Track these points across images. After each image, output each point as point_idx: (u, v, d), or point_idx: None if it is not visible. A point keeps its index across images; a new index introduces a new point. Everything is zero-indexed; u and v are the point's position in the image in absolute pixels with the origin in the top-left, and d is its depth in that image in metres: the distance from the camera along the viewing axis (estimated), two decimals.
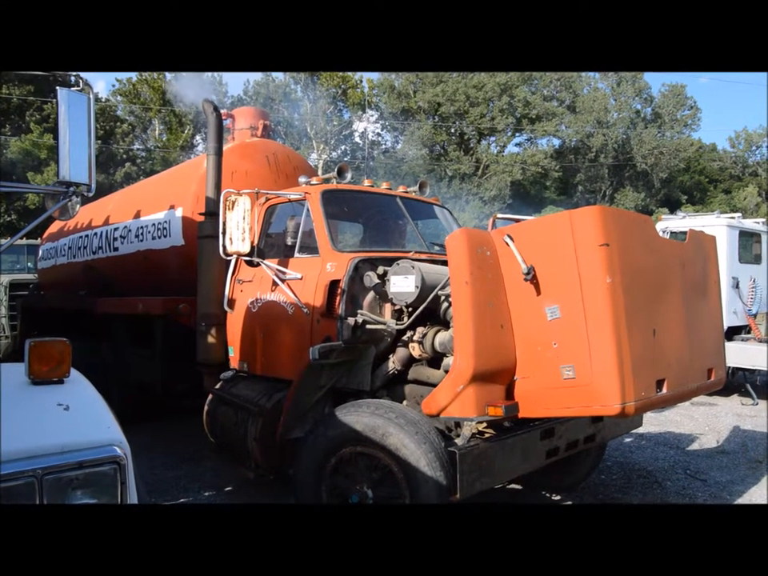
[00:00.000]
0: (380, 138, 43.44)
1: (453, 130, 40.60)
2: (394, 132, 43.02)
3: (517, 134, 42.46)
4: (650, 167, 42.16)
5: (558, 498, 5.71)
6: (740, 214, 12.01)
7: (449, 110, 38.71)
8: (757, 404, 9.93)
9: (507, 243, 3.81)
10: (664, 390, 3.77)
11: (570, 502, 5.57)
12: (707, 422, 8.73)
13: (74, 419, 2.14)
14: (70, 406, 2.16)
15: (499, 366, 3.78)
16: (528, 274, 3.66)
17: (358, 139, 41.90)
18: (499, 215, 4.89)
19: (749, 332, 11.01)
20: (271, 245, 5.63)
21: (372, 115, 42.14)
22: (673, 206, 36.73)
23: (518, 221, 4.48)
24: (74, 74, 3.24)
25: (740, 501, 5.63)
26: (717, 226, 10.41)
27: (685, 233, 4.51)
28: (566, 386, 3.57)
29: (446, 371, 4.23)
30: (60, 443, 1.98)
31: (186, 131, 36.73)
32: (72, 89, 3.36)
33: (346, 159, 37.72)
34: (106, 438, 2.07)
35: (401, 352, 4.60)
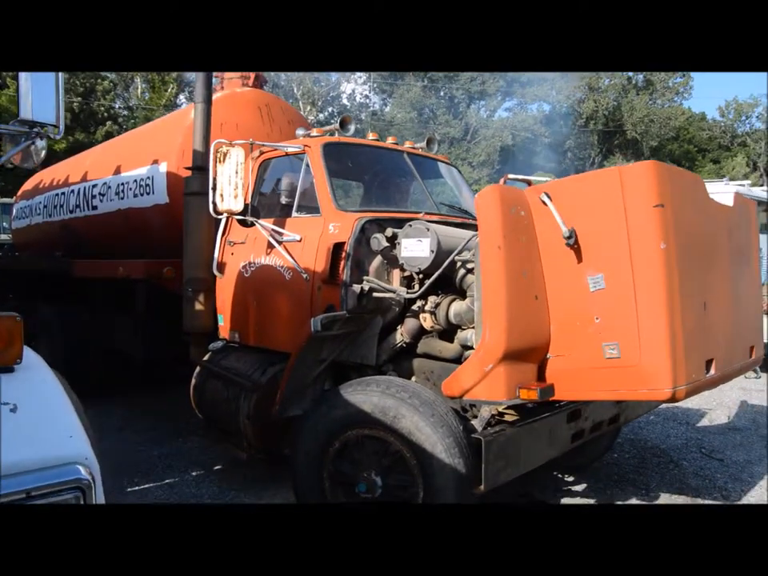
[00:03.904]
0: (368, 101, 42.55)
1: (442, 93, 39.81)
2: (383, 94, 42.15)
3: (507, 99, 41.80)
4: (639, 135, 41.71)
5: (571, 478, 5.33)
6: (749, 182, 11.56)
7: (438, 73, 37.87)
8: (760, 377, 9.65)
9: (545, 203, 3.36)
10: (712, 372, 3.37)
11: (582, 485, 5.21)
12: (714, 396, 8.38)
13: (23, 425, 1.58)
14: (19, 405, 1.57)
15: (532, 343, 3.37)
16: (569, 238, 3.22)
17: (345, 101, 40.99)
18: (510, 176, 4.40)
19: None
20: (265, 204, 5.21)
21: (360, 77, 41.19)
22: None
23: (530, 183, 4.04)
24: None
25: (762, 483, 5.29)
26: (726, 193, 9.97)
27: None
28: (609, 367, 3.16)
29: (462, 345, 3.96)
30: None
31: (169, 90, 35.65)
32: None
33: (333, 122, 36.85)
34: (67, 452, 1.51)
35: (410, 323, 4.24)
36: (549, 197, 3.36)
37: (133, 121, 32.49)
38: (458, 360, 3.95)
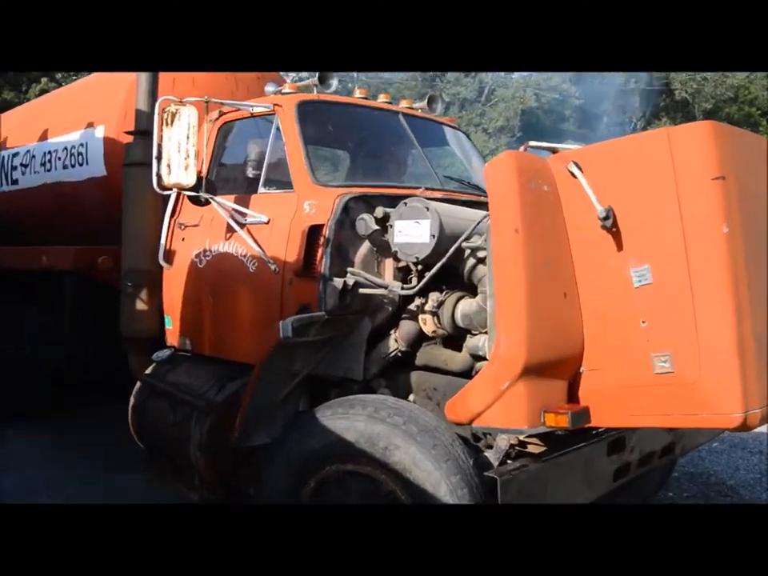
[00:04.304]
0: None
1: None
2: None
3: None
4: (690, 95, 41.80)
5: None
6: None
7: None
8: None
9: (574, 174, 3.27)
10: None
11: None
12: None
13: None
14: None
15: (560, 354, 3.28)
16: (606, 218, 3.12)
17: None
18: (532, 143, 4.33)
19: None
20: (226, 177, 5.16)
21: None
22: None
23: (555, 150, 3.98)
24: None
25: None
26: None
27: None
28: (660, 384, 3.05)
29: (472, 355, 3.87)
30: None
31: None
32: None
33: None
34: None
35: (407, 326, 4.18)
36: (579, 167, 3.27)
37: (74, 77, 32.41)
38: (468, 374, 3.88)
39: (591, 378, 3.33)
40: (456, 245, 3.76)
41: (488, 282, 3.52)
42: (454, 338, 4.07)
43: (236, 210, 4.59)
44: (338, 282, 4.04)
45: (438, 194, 4.63)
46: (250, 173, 4.83)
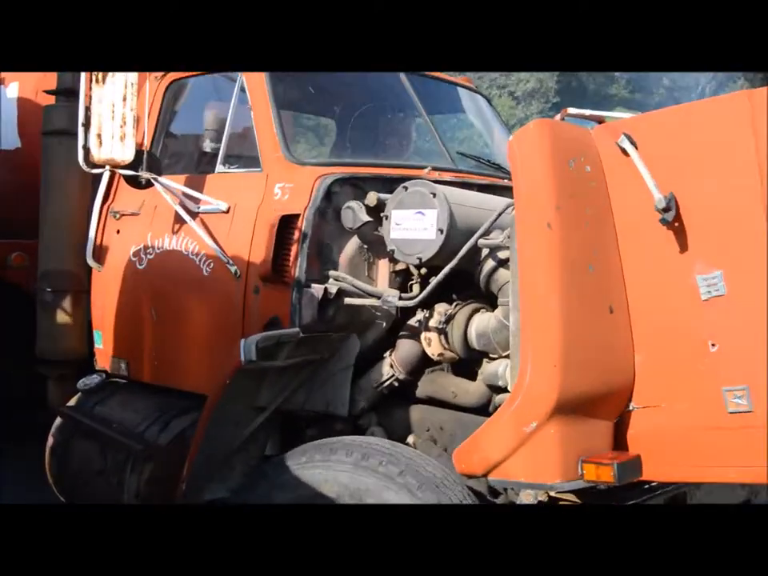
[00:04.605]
0: None
1: None
2: None
3: None
4: None
5: None
6: None
7: None
8: None
9: (625, 151, 3.28)
10: None
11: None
12: None
13: None
14: None
15: (604, 386, 3.29)
16: (666, 210, 3.11)
17: None
18: (571, 110, 4.35)
19: None
20: (174, 152, 5.23)
21: None
22: None
23: (601, 120, 3.99)
24: None
25: None
26: None
27: None
28: (733, 427, 3.04)
29: (490, 385, 3.89)
30: None
31: None
32: None
33: None
34: None
35: (406, 348, 4.23)
36: (632, 141, 3.27)
37: None
38: (484, 409, 3.92)
39: (644, 418, 3.33)
40: (471, 242, 3.75)
41: (511, 291, 3.52)
42: (467, 364, 4.09)
43: (186, 195, 4.60)
44: (317, 289, 4.05)
45: (448, 176, 4.66)
46: (206, 146, 4.85)
